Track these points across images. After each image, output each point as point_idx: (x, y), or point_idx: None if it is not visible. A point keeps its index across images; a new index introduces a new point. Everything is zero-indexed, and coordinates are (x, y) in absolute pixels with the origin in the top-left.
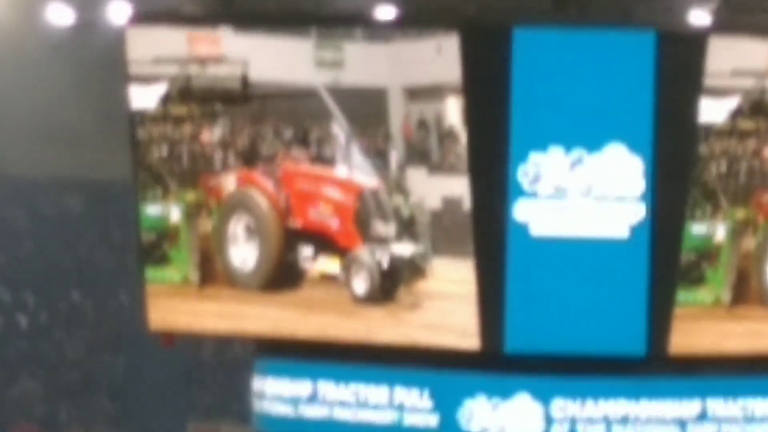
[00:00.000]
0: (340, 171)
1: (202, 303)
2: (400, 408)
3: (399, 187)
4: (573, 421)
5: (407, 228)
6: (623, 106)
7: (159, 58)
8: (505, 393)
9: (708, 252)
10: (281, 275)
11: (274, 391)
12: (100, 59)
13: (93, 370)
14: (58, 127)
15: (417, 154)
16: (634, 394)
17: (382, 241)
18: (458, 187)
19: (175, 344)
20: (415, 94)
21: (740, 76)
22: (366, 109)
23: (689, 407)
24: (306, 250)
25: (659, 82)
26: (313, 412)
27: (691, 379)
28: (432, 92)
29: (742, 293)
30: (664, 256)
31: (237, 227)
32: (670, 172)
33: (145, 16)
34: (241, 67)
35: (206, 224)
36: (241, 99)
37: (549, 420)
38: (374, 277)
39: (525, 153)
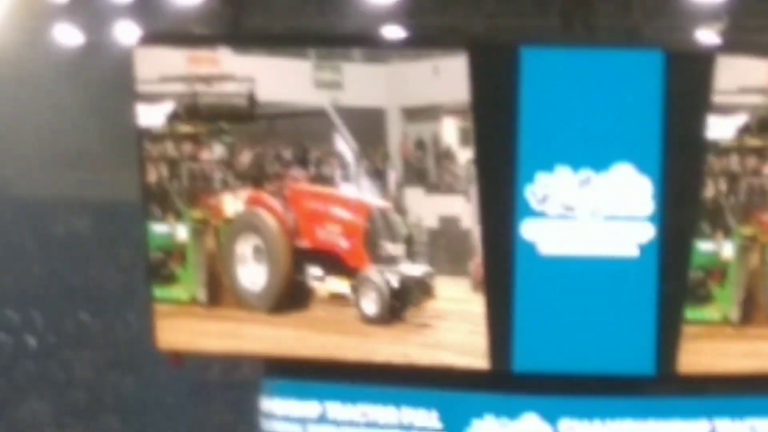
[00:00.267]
0: (347, 191)
1: (210, 323)
2: (409, 428)
3: (397, 206)
4: None
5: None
6: (631, 126)
7: (165, 77)
8: (514, 413)
9: (715, 270)
10: (290, 296)
11: (283, 412)
12: (107, 80)
13: (101, 390)
14: (65, 148)
15: (415, 174)
16: (643, 414)
17: (392, 261)
18: (455, 206)
19: (183, 364)
20: (412, 114)
21: (746, 93)
22: (364, 130)
23: (698, 427)
24: (314, 271)
25: (667, 101)
26: None
27: (700, 399)
28: (429, 113)
29: (751, 311)
30: (672, 276)
31: (245, 248)
32: (679, 192)
33: (153, 37)
34: (248, 86)
35: (213, 243)
36: (248, 118)
37: None
38: (384, 298)
39: (533, 173)
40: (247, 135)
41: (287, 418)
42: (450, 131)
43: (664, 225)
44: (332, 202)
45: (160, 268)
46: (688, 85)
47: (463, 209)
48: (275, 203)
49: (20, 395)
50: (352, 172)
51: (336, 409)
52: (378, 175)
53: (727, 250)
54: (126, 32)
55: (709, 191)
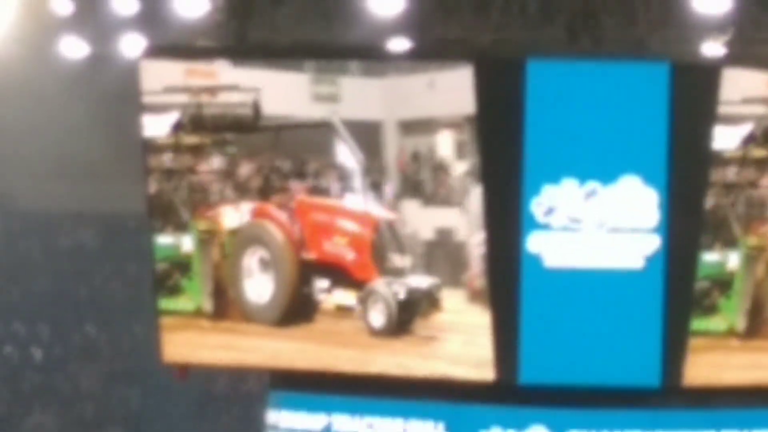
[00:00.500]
0: (350, 202)
1: (217, 336)
2: None
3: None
4: None
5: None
6: (637, 138)
7: (169, 88)
8: (520, 424)
9: (721, 280)
10: (296, 308)
11: (289, 424)
12: (113, 93)
13: (107, 402)
14: (72, 160)
15: (411, 186)
16: (649, 426)
17: (399, 273)
18: (451, 218)
19: (188, 377)
20: (408, 127)
21: (752, 104)
22: (362, 142)
23: None
24: (321, 283)
25: (673, 113)
26: None
27: (706, 411)
28: (424, 126)
29: (757, 322)
30: (678, 288)
31: (251, 260)
32: (685, 204)
33: (158, 49)
34: (253, 96)
35: (219, 253)
36: (253, 129)
37: None
38: (391, 310)
39: (539, 185)
40: (246, 147)
41: (293, 431)
42: (445, 144)
43: (670, 237)
44: (339, 214)
45: (166, 279)
46: (693, 96)
47: (458, 221)
48: (281, 215)
49: (26, 407)
50: (357, 184)
51: (342, 422)
52: (375, 187)
53: (733, 260)
54: (132, 45)
55: (714, 202)
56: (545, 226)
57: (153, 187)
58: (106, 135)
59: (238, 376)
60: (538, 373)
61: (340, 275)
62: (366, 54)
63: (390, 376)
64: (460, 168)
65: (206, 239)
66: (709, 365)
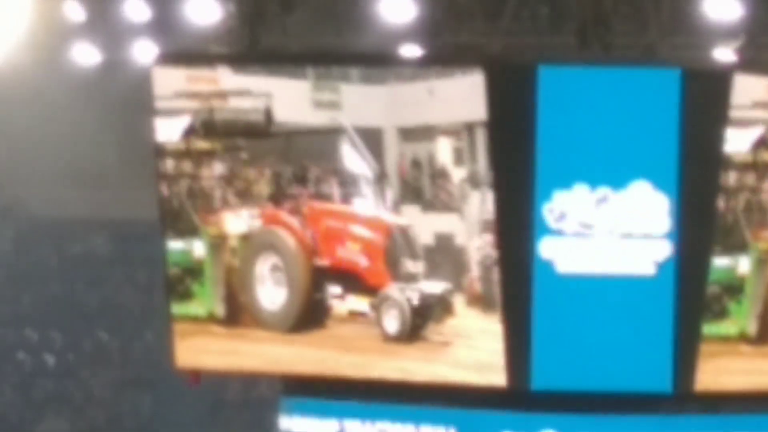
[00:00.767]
0: (360, 208)
1: (229, 342)
2: None
3: None
4: None
5: None
6: (648, 144)
7: (180, 93)
8: (532, 430)
9: (731, 284)
10: (309, 314)
11: (300, 430)
12: (125, 99)
13: (119, 409)
14: (84, 166)
15: (411, 192)
16: None
17: (412, 278)
18: (450, 223)
19: (200, 383)
20: (408, 134)
21: (762, 108)
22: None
23: None
24: (334, 289)
25: (684, 119)
26: None
27: (718, 417)
28: (424, 133)
29: None
30: (690, 293)
31: (264, 267)
32: (696, 209)
33: (171, 56)
34: (265, 102)
35: (231, 258)
36: (264, 134)
37: None
38: (405, 315)
39: (550, 191)
40: (254, 152)
41: None
42: (444, 151)
43: (681, 242)
44: (351, 220)
45: (177, 284)
46: (704, 102)
47: (457, 226)
48: (293, 221)
49: (38, 414)
50: (369, 191)
51: (354, 427)
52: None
53: (744, 264)
54: (144, 51)
55: (725, 206)
56: (557, 232)
57: (164, 192)
58: (118, 141)
59: (250, 382)
60: (550, 379)
61: (353, 281)
62: (376, 60)
63: (401, 381)
64: (458, 174)
65: (217, 244)
66: (720, 370)
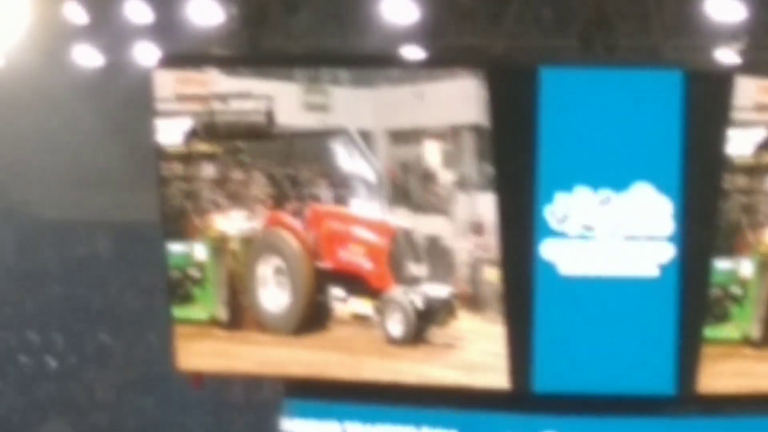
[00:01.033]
0: (357, 210)
1: (232, 344)
2: None
3: None
4: None
5: None
6: (651, 146)
7: (181, 96)
8: None
9: (734, 288)
10: (312, 317)
11: None
12: (127, 101)
13: (122, 411)
14: (85, 169)
15: (400, 195)
16: None
17: (415, 281)
18: (438, 225)
19: (203, 385)
20: (397, 137)
21: (765, 110)
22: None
23: None
24: (337, 292)
25: (687, 121)
26: None
27: (721, 419)
28: (413, 136)
29: None
30: (692, 295)
31: (266, 269)
32: (699, 211)
33: (173, 58)
34: (266, 104)
35: (233, 262)
36: (266, 137)
37: None
38: (410, 318)
39: (552, 193)
40: (250, 155)
41: None
42: (433, 154)
43: (684, 244)
44: (355, 222)
45: (179, 287)
46: (707, 104)
47: (445, 228)
48: (296, 223)
49: (41, 416)
50: (371, 193)
51: (356, 430)
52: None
53: (746, 268)
54: (146, 53)
55: (728, 209)
56: (559, 234)
57: (165, 195)
58: (120, 143)
59: (252, 384)
60: (552, 382)
61: (356, 284)
62: (377, 62)
63: (403, 383)
64: (447, 177)
65: (219, 248)
66: (723, 373)
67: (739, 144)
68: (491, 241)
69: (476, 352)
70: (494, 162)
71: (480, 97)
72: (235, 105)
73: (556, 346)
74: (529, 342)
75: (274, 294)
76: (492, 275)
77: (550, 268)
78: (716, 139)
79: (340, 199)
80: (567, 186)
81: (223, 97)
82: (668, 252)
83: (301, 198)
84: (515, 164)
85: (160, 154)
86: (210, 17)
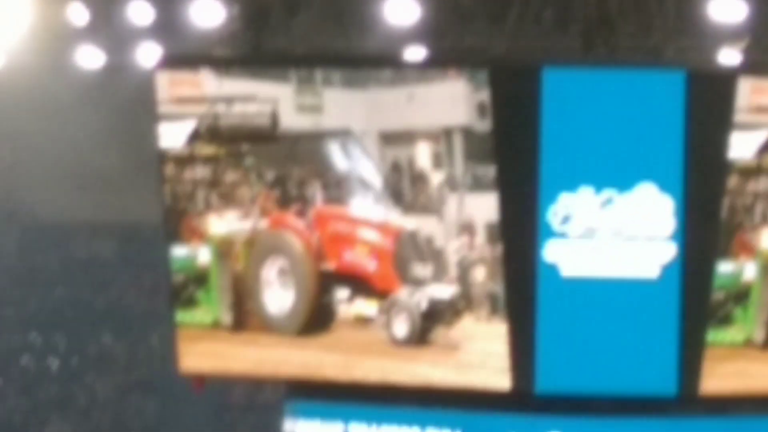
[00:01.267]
0: (357, 211)
1: (234, 346)
2: None
3: None
4: None
5: None
6: (653, 146)
7: (184, 98)
8: None
9: (736, 291)
10: (316, 318)
11: None
12: (129, 103)
13: (124, 413)
14: (88, 170)
15: (392, 195)
16: None
17: (420, 282)
18: (429, 225)
19: (204, 387)
20: (388, 138)
21: (762, 112)
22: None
23: None
24: (341, 293)
25: (689, 121)
26: None
27: (722, 420)
28: (404, 137)
29: None
30: (694, 296)
31: (271, 271)
32: (701, 212)
33: (174, 59)
34: (271, 107)
35: (237, 265)
36: (270, 139)
37: None
38: (415, 320)
39: (555, 193)
40: (254, 157)
41: None
42: (424, 155)
43: (686, 245)
44: (359, 224)
45: (181, 291)
46: (709, 104)
47: (436, 228)
48: (300, 225)
49: (43, 417)
50: (374, 194)
51: (359, 430)
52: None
53: (750, 270)
54: (148, 54)
55: (730, 210)
56: (562, 235)
57: (168, 198)
58: (123, 145)
59: (254, 385)
60: (555, 382)
61: (361, 285)
62: (381, 62)
63: (406, 384)
64: (437, 178)
65: (223, 251)
66: (726, 374)
67: (742, 145)
68: (480, 241)
69: (478, 353)
70: (496, 163)
71: (470, 99)
72: (239, 108)
73: (559, 347)
74: (531, 343)
75: (278, 295)
76: (481, 275)
77: (552, 269)
78: (719, 140)
79: (343, 201)
80: (570, 186)
81: (229, 100)
82: (670, 252)
83: (305, 199)
84: (518, 165)
85: (162, 156)
86: (212, 18)
